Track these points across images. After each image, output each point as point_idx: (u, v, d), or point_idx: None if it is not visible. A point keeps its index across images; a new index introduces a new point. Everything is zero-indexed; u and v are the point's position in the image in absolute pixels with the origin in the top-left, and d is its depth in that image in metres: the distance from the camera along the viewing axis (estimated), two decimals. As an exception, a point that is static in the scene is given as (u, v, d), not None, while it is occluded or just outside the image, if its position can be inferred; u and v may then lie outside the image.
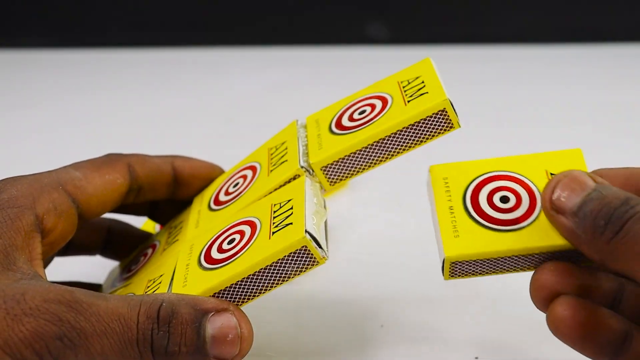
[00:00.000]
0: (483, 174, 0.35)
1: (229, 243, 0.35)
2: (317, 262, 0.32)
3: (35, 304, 0.29)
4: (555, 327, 0.30)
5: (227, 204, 0.38)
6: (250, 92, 0.89)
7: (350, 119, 0.37)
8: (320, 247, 0.32)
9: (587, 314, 0.30)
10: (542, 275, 0.31)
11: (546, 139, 0.71)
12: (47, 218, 0.34)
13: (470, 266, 0.33)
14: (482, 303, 0.43)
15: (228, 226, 0.36)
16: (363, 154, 0.35)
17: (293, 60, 1.03)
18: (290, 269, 0.32)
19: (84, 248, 0.42)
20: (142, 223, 0.53)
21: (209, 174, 0.42)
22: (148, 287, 0.36)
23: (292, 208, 0.34)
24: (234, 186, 0.40)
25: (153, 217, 0.44)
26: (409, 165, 0.67)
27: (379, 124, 0.35)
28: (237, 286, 0.32)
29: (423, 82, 0.37)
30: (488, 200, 0.34)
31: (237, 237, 0.34)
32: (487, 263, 0.33)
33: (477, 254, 0.32)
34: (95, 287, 0.43)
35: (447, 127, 0.36)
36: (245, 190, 0.38)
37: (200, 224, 0.39)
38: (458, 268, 0.32)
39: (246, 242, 0.33)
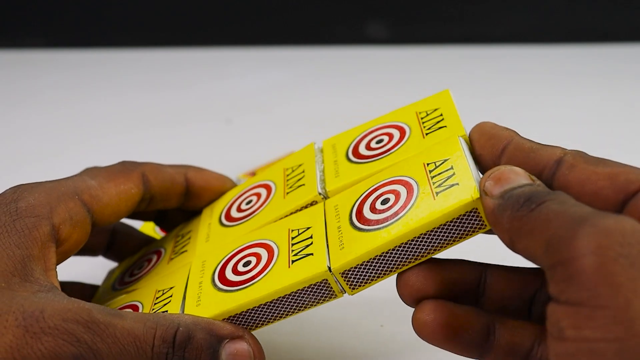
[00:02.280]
0: (364, 192, 0.34)
1: (244, 265, 0.34)
2: (335, 295, 0.32)
3: (54, 323, 0.29)
4: (420, 331, 0.31)
5: (239, 222, 0.38)
6: (250, 92, 0.89)
7: (368, 147, 0.37)
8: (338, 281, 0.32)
9: (449, 316, 0.31)
10: (407, 275, 0.31)
11: (546, 139, 0.71)
12: (63, 228, 0.34)
13: (364, 270, 0.31)
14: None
15: (243, 246, 0.36)
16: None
17: (293, 60, 1.03)
18: (307, 300, 0.32)
19: (88, 250, 0.42)
20: (141, 223, 0.53)
21: (220, 186, 0.42)
22: (157, 298, 0.36)
23: (311, 237, 0.33)
24: (247, 203, 0.39)
25: (159, 223, 0.44)
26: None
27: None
28: (253, 312, 0.32)
29: (442, 114, 0.38)
30: (371, 208, 0.33)
31: (254, 259, 0.34)
32: (378, 261, 0.31)
33: (362, 254, 0.31)
34: (94, 288, 0.43)
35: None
36: (260, 210, 0.38)
37: (211, 238, 0.38)
38: (352, 276, 0.32)
39: (263, 267, 0.33)
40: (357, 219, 0.33)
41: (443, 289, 0.31)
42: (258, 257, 0.34)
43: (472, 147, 0.34)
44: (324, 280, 0.31)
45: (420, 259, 0.31)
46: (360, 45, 1.10)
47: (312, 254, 0.32)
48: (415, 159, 0.34)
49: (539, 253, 0.26)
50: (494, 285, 0.32)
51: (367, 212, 0.33)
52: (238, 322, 0.32)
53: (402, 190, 0.33)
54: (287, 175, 0.39)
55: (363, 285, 0.32)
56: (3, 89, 0.91)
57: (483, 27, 1.12)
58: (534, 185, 0.29)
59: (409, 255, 0.31)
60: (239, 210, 0.39)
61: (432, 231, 0.30)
